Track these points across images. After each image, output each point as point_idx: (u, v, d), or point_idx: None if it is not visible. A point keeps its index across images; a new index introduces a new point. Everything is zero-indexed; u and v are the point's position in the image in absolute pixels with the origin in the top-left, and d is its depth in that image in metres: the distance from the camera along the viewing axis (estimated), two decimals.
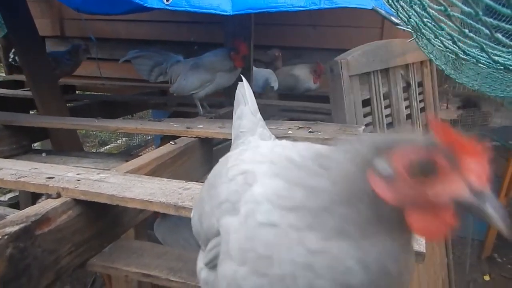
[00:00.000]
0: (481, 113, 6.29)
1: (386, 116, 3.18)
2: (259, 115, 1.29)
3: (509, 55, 0.78)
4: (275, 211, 0.67)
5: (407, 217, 0.57)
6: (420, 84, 3.72)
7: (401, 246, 0.62)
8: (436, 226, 0.57)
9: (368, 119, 2.99)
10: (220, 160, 1.01)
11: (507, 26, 0.61)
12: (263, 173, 0.76)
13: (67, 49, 3.77)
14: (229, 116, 3.01)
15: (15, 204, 3.54)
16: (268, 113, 3.50)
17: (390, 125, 3.24)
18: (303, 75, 3.69)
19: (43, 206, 1.26)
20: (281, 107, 3.57)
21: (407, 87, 3.50)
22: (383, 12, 2.42)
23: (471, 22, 0.67)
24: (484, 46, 0.71)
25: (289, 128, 2.26)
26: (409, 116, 3.50)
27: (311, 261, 0.61)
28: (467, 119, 6.34)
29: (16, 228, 1.10)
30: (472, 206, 0.54)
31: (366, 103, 2.95)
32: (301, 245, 0.62)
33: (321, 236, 0.62)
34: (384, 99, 3.14)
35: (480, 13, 0.60)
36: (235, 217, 0.73)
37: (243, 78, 1.36)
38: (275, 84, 3.68)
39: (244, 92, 1.32)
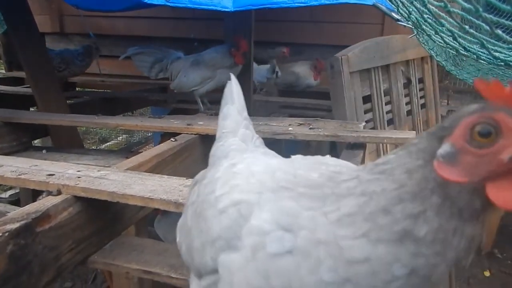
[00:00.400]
0: None
1: (387, 112, 3.18)
2: (245, 114, 1.23)
3: (509, 51, 0.77)
4: (290, 235, 0.63)
5: (488, 192, 0.53)
6: (421, 81, 3.72)
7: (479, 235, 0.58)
8: None
9: (369, 115, 2.99)
10: (204, 177, 0.92)
11: (507, 22, 0.60)
12: (263, 202, 0.69)
13: (79, 51, 3.74)
14: None
15: (15, 201, 3.55)
16: (268, 109, 3.50)
17: (390, 121, 3.24)
18: (303, 72, 3.68)
19: (44, 203, 1.27)
20: (281, 103, 3.56)
21: (407, 84, 3.49)
22: (383, 8, 2.42)
23: (472, 18, 0.66)
24: (485, 42, 0.71)
25: (289, 124, 2.26)
26: (409, 113, 3.49)
27: (350, 275, 0.58)
28: None
29: (16, 225, 1.11)
30: None
31: (366, 99, 2.95)
32: (333, 259, 0.59)
33: (372, 240, 0.58)
34: (384, 96, 3.13)
35: (481, 9, 0.59)
36: (236, 254, 0.67)
37: (232, 76, 1.30)
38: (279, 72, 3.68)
39: (232, 90, 1.26)
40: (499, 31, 0.61)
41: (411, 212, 0.56)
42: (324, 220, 0.62)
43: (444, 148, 0.56)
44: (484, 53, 0.81)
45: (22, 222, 1.13)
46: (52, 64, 3.36)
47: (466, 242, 0.57)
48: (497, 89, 0.53)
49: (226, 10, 2.05)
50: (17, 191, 3.60)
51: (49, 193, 1.37)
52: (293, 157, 0.88)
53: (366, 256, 0.57)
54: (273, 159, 0.94)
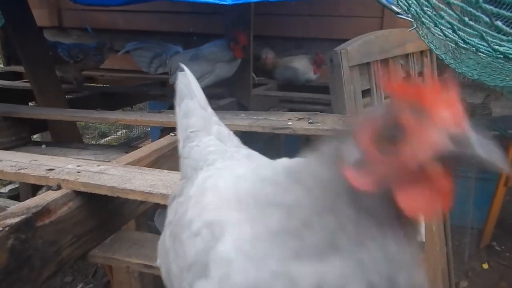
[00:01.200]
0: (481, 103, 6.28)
1: None
2: (210, 109, 1.13)
3: (509, 44, 0.77)
4: (251, 263, 0.57)
5: (397, 200, 0.48)
6: (420, 74, 3.71)
7: (407, 242, 0.53)
8: (431, 199, 0.47)
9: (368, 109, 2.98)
10: (181, 193, 0.87)
11: (507, 13, 0.60)
12: (232, 221, 0.64)
13: (94, 45, 3.73)
14: (229, 107, 3.02)
15: (15, 196, 3.55)
16: (267, 104, 3.49)
17: None
18: (302, 66, 3.67)
19: (44, 197, 1.27)
20: (280, 97, 3.56)
21: (407, 77, 3.49)
22: (383, 1, 2.40)
23: (471, 9, 0.66)
24: (484, 35, 0.71)
25: (289, 119, 2.26)
26: None
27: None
28: (467, 109, 6.33)
29: (17, 219, 1.11)
30: (460, 155, 0.44)
31: (366, 93, 2.94)
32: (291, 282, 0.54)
33: (313, 258, 0.53)
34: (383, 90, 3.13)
35: (480, 0, 0.59)
36: (208, 283, 0.63)
37: (184, 67, 1.17)
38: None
39: (189, 82, 1.14)
40: (499, 23, 0.61)
41: (330, 226, 0.52)
42: (269, 245, 0.57)
43: (353, 154, 0.51)
44: (483, 46, 0.81)
45: (23, 217, 1.13)
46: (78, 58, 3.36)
47: (389, 255, 0.51)
48: (401, 86, 0.47)
49: (224, 3, 2.04)
50: (17, 186, 3.61)
51: (49, 188, 1.37)
52: (278, 161, 0.84)
53: (316, 282, 0.52)
54: (254, 165, 0.86)
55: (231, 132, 1.10)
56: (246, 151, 1.01)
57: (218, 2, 2.02)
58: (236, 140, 1.09)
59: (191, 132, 1.06)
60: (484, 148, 0.43)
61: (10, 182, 4.05)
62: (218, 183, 0.77)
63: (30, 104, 3.55)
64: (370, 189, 0.49)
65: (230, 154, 0.97)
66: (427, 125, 0.45)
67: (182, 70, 1.15)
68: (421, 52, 3.65)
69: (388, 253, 0.51)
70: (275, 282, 0.54)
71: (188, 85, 1.13)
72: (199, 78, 2.79)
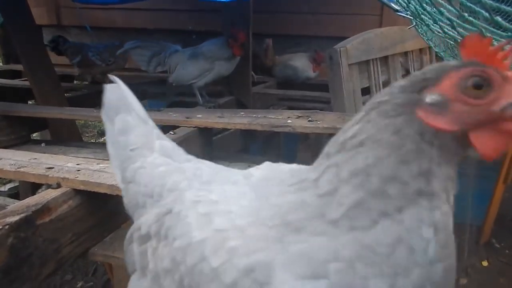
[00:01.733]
0: None
1: None
2: (151, 122, 1.03)
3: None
4: (323, 282, 0.56)
5: (472, 140, 0.57)
6: None
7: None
8: (500, 138, 0.57)
9: None
10: (165, 234, 0.76)
11: (507, 8, 0.60)
12: (277, 259, 0.59)
13: (117, 42, 3.57)
14: (228, 105, 3.02)
15: (15, 195, 3.55)
16: (267, 102, 3.49)
17: None
18: (302, 64, 3.67)
19: (44, 196, 1.27)
20: (280, 96, 3.56)
21: (406, 75, 3.49)
22: None
23: (471, 5, 0.66)
24: (484, 30, 0.71)
25: (288, 117, 2.26)
26: None
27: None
28: None
29: (17, 218, 1.11)
30: None
31: (365, 91, 2.94)
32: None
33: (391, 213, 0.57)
34: (383, 87, 3.13)
35: None
36: None
37: (115, 78, 1.06)
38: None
39: (123, 95, 1.03)
40: (498, 18, 0.61)
41: (420, 171, 0.57)
42: (350, 239, 0.58)
43: (432, 97, 0.57)
44: None
45: (22, 215, 1.13)
46: (91, 58, 3.36)
47: (453, 184, 0.61)
48: (481, 47, 0.56)
49: (222, 0, 2.04)
50: (16, 184, 3.60)
51: (49, 186, 1.37)
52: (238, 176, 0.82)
53: (397, 237, 0.57)
54: (234, 187, 0.79)
55: (175, 144, 1.04)
56: (204, 166, 0.94)
57: None
58: (182, 152, 1.02)
59: (131, 150, 0.98)
60: None
61: (10, 181, 4.04)
62: (235, 220, 0.68)
63: (29, 102, 3.54)
64: (451, 129, 0.57)
65: (192, 172, 0.89)
66: (509, 80, 0.55)
67: (112, 82, 1.05)
68: (420, 50, 3.65)
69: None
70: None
71: (123, 98, 1.03)
72: (198, 76, 2.80)
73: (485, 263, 3.67)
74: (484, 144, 0.57)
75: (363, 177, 0.58)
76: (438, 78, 0.57)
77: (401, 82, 0.61)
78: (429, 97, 0.57)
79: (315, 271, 0.57)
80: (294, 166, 0.82)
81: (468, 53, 0.57)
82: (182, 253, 0.70)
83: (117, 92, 1.04)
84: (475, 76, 0.55)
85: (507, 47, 0.57)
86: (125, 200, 1.00)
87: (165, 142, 1.02)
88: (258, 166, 0.84)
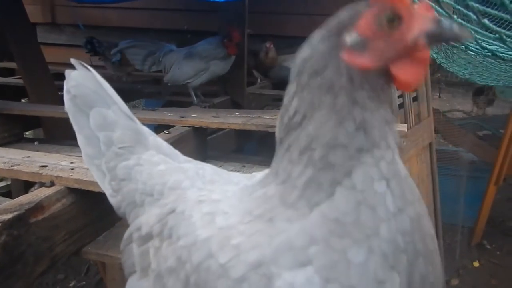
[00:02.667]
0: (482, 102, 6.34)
1: None
2: (136, 119, 0.99)
3: (496, 41, 0.79)
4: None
5: (394, 73, 0.60)
6: None
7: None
8: (417, 67, 0.60)
9: None
10: (170, 234, 0.75)
11: (493, 11, 0.62)
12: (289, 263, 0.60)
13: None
14: (223, 105, 3.03)
15: (7, 193, 3.53)
16: (262, 102, 3.50)
17: None
18: None
19: (37, 194, 1.27)
20: (275, 96, 3.56)
21: None
22: None
23: (460, 8, 0.67)
24: (473, 33, 0.72)
25: None
26: (401, 106, 3.51)
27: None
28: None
29: (10, 216, 1.11)
30: (442, 33, 0.58)
31: None
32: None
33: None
34: None
35: None
36: None
37: (89, 67, 0.99)
38: None
39: (99, 86, 0.97)
40: (486, 21, 0.62)
41: (356, 126, 0.60)
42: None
43: (352, 38, 0.60)
44: (472, 44, 0.83)
45: (15, 213, 1.13)
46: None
47: (392, 126, 0.64)
48: None
49: (216, 0, 2.05)
50: (8, 183, 3.58)
51: (42, 185, 1.37)
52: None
53: (355, 202, 0.59)
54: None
55: (170, 146, 1.01)
56: (207, 166, 0.93)
57: None
58: (178, 153, 1.00)
59: (120, 148, 0.93)
60: (453, 27, 0.58)
61: (2, 179, 4.02)
62: (229, 220, 0.69)
63: (23, 100, 3.52)
64: (373, 65, 0.60)
65: (194, 171, 0.88)
66: (417, 14, 0.59)
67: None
68: None
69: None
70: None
71: (100, 89, 0.97)
72: (193, 76, 2.80)
73: (476, 264, 3.71)
74: (405, 74, 0.60)
75: (309, 153, 0.61)
76: (353, 19, 0.61)
77: (317, 32, 0.65)
78: (349, 38, 0.60)
79: (298, 260, 0.59)
80: None
81: None
82: (187, 252, 0.69)
83: (91, 82, 0.98)
84: (386, 12, 0.59)
85: None
86: (115, 200, 0.97)
87: (160, 140, 1.00)
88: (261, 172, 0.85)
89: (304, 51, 0.65)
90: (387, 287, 0.58)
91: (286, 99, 0.67)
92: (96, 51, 3.51)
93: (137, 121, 1.00)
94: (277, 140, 0.68)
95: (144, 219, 0.85)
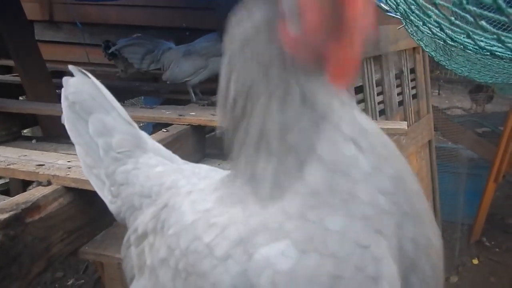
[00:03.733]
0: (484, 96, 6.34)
1: (379, 103, 3.19)
2: (135, 124, 0.99)
3: (494, 42, 0.79)
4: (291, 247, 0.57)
5: (326, 67, 0.56)
6: (413, 71, 3.73)
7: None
8: (346, 67, 0.55)
9: (361, 106, 3.00)
10: (162, 226, 0.75)
11: (490, 14, 0.62)
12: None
13: None
14: None
15: (5, 191, 3.52)
16: None
17: (382, 112, 3.26)
18: None
19: (34, 193, 1.26)
20: None
21: (399, 74, 3.50)
22: None
23: (457, 10, 0.67)
24: (470, 33, 0.72)
25: None
26: (401, 103, 3.51)
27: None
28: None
29: (6, 215, 1.10)
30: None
31: (358, 90, 2.95)
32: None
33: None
34: (376, 86, 3.14)
35: (464, 1, 0.60)
36: None
37: (87, 73, 0.99)
38: None
39: (98, 92, 0.97)
40: (483, 22, 0.62)
41: (302, 98, 0.57)
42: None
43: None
44: (471, 43, 0.82)
45: (12, 213, 1.12)
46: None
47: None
48: None
49: None
50: (7, 181, 3.57)
51: (39, 184, 1.36)
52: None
53: (327, 172, 0.58)
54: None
55: (167, 150, 1.02)
56: (204, 166, 0.93)
57: None
58: (176, 156, 0.99)
59: (119, 152, 0.93)
60: None
61: (0, 177, 4.01)
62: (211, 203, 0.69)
63: (20, 98, 3.51)
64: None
65: (191, 171, 0.88)
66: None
67: (77, 74, 0.98)
68: (414, 48, 3.67)
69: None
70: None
71: (99, 95, 0.97)
72: (192, 74, 2.79)
73: (475, 262, 3.71)
74: (334, 71, 0.57)
75: (265, 146, 0.59)
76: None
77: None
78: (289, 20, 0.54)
79: (274, 235, 0.57)
80: None
81: None
82: (176, 238, 0.69)
83: (90, 89, 0.98)
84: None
85: None
86: (114, 206, 0.97)
87: (158, 144, 1.00)
88: None
89: (238, 19, 0.63)
90: (373, 252, 0.54)
91: (222, 80, 0.63)
92: (114, 54, 3.47)
93: (136, 126, 1.00)
94: (225, 133, 0.65)
95: (140, 220, 0.85)
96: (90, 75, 0.99)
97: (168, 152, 1.01)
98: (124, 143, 0.94)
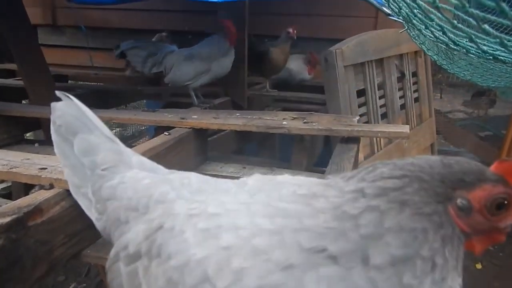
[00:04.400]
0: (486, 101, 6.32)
1: (381, 106, 3.19)
2: (118, 140, 1.00)
3: (497, 45, 0.78)
4: None
5: (474, 242, 0.67)
6: (415, 74, 3.73)
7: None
8: (490, 242, 0.69)
9: (363, 109, 3.00)
10: (159, 252, 0.72)
11: (493, 17, 0.62)
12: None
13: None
14: (223, 106, 3.02)
15: (7, 195, 3.53)
16: (262, 103, 3.49)
17: (384, 115, 3.25)
18: (297, 66, 3.67)
19: (36, 197, 1.26)
20: (275, 97, 3.56)
21: (401, 77, 3.50)
22: (375, 2, 2.42)
23: (459, 13, 0.67)
24: (473, 37, 0.72)
25: (283, 118, 2.26)
26: (403, 106, 3.51)
27: None
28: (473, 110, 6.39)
29: (8, 219, 1.10)
30: None
31: (360, 93, 2.95)
32: None
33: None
34: (378, 89, 3.14)
35: (467, 5, 0.60)
36: None
37: (71, 97, 1.01)
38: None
39: (81, 113, 0.99)
40: (486, 26, 0.62)
41: (436, 245, 0.62)
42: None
43: (463, 202, 0.65)
44: (473, 47, 0.82)
45: (14, 216, 1.12)
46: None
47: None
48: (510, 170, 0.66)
49: (215, 0, 2.05)
50: (9, 184, 3.58)
51: (42, 187, 1.36)
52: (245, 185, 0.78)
53: None
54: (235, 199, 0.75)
55: (155, 163, 1.02)
56: (192, 175, 0.90)
57: None
58: (162, 167, 0.99)
59: (103, 169, 0.94)
60: None
61: (2, 181, 4.02)
62: (252, 238, 0.63)
63: (23, 102, 3.52)
64: (465, 230, 0.65)
65: (179, 182, 0.86)
66: None
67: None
68: (415, 52, 3.67)
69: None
70: None
71: (81, 116, 0.99)
72: (193, 78, 2.79)
73: (479, 266, 3.69)
74: (480, 244, 0.68)
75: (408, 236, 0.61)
76: (474, 185, 0.64)
77: (440, 167, 0.66)
78: (460, 201, 0.64)
79: None
80: (292, 179, 0.79)
81: (499, 169, 0.66)
82: (179, 273, 0.66)
83: (74, 110, 1.00)
84: (501, 198, 0.64)
85: None
86: (100, 223, 0.96)
87: (142, 158, 1.00)
88: (250, 177, 0.82)
89: (420, 168, 0.66)
90: None
91: (387, 169, 0.67)
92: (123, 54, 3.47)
93: (119, 142, 1.01)
94: (358, 178, 0.67)
95: (131, 237, 0.82)
96: (73, 98, 1.01)
97: (151, 163, 1.01)
98: (108, 160, 0.96)
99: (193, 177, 0.89)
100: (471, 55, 0.88)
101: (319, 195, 0.66)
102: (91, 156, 0.97)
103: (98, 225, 0.98)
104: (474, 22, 0.61)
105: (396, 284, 0.59)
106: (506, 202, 0.64)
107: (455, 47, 0.84)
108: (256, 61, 3.30)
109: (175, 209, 0.78)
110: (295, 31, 3.25)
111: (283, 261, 0.58)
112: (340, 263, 0.58)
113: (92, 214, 1.00)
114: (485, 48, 0.77)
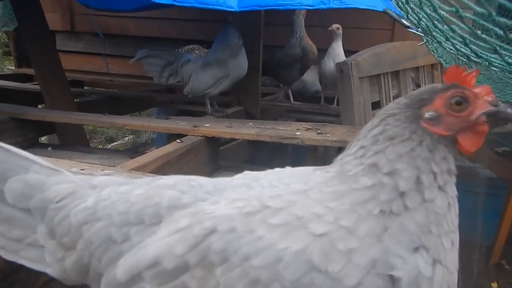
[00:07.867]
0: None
1: None
2: (62, 170, 0.93)
3: None
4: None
5: (460, 141, 0.79)
6: None
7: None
8: (477, 138, 0.79)
9: None
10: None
11: None
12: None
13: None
14: (237, 115, 3.01)
15: None
16: (275, 114, 3.48)
17: None
18: (311, 78, 3.65)
19: None
20: (288, 108, 3.54)
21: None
22: (393, 14, 2.39)
23: (484, 23, 0.65)
24: (498, 48, 0.70)
25: (297, 129, 2.24)
26: None
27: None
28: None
29: None
30: (497, 113, 0.76)
31: (375, 105, 2.92)
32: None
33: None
34: None
35: (494, 13, 0.58)
36: None
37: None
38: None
39: (9, 154, 0.88)
40: None
41: (442, 156, 0.78)
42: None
43: (429, 114, 0.79)
44: (497, 59, 0.80)
45: None
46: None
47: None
48: (457, 73, 0.79)
49: (231, 9, 2.06)
50: None
51: None
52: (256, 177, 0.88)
53: (446, 204, 0.77)
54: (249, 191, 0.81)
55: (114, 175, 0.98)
56: (192, 177, 0.87)
57: (225, 8, 2.03)
58: (132, 180, 0.92)
59: (58, 202, 0.84)
60: (507, 109, 0.76)
61: None
62: (337, 222, 0.70)
63: (39, 106, 3.57)
64: (445, 134, 0.78)
65: (185, 184, 0.83)
66: (480, 98, 0.77)
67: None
68: (432, 65, 3.62)
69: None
70: None
71: (10, 157, 0.88)
72: (213, 85, 2.76)
73: (494, 285, 3.58)
74: (467, 142, 0.79)
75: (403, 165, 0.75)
76: (431, 98, 0.79)
77: (403, 99, 0.82)
78: (427, 114, 0.79)
79: (412, 244, 0.70)
80: (294, 170, 0.94)
81: (449, 78, 0.80)
82: (269, 271, 0.66)
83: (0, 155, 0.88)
84: (457, 96, 0.77)
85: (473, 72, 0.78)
86: (68, 261, 0.83)
87: (104, 176, 0.93)
88: (243, 174, 0.90)
89: (390, 108, 0.82)
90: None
91: (367, 126, 0.84)
92: None
93: (63, 170, 0.92)
94: (357, 145, 0.82)
95: (158, 251, 0.73)
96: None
97: (124, 179, 0.93)
98: (62, 189, 0.86)
99: (199, 179, 0.86)
100: (493, 68, 0.85)
101: (341, 171, 0.79)
102: (38, 195, 0.85)
103: (63, 266, 0.85)
104: (500, 32, 0.59)
105: (420, 200, 0.73)
106: (462, 98, 0.76)
107: (477, 59, 0.82)
108: (288, 65, 3.36)
109: (210, 211, 0.74)
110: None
111: (371, 233, 0.69)
112: (405, 201, 0.73)
113: (47, 260, 0.86)
114: (510, 60, 0.75)
